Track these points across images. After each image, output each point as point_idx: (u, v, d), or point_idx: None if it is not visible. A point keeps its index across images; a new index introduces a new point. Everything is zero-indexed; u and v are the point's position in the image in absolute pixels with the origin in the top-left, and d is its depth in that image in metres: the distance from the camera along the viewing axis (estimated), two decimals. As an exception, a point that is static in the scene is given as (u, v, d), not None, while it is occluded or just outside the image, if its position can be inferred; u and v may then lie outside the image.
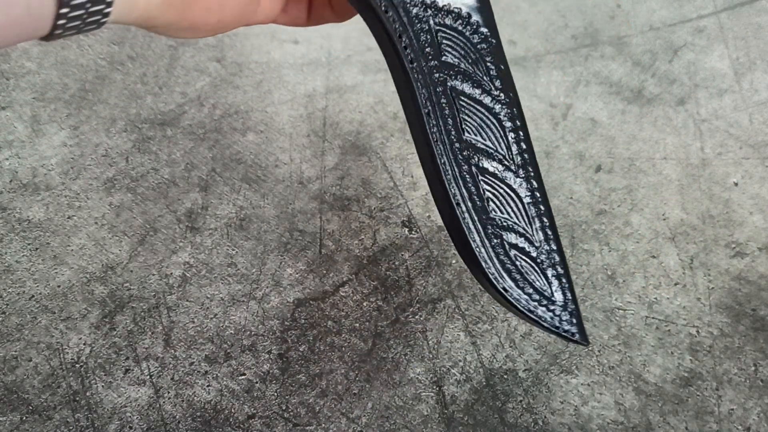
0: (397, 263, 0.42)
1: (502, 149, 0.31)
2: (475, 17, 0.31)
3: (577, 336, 0.29)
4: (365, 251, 0.43)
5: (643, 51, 0.54)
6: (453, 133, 0.31)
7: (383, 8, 0.29)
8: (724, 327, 0.39)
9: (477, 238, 0.30)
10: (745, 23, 0.55)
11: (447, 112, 0.31)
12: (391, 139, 0.49)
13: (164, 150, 0.47)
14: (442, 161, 0.31)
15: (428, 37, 0.31)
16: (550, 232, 0.31)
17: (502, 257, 0.30)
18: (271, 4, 0.30)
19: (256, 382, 0.38)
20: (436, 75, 0.31)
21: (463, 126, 0.31)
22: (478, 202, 0.31)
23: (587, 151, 0.47)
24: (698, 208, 0.44)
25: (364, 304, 0.41)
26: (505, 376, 0.38)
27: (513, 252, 0.31)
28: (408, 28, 0.30)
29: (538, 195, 0.31)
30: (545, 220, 0.31)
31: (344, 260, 0.43)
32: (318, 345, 0.39)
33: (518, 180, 0.31)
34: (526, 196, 0.31)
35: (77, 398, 0.37)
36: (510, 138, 0.32)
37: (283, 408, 0.37)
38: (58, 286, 0.41)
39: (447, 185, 0.31)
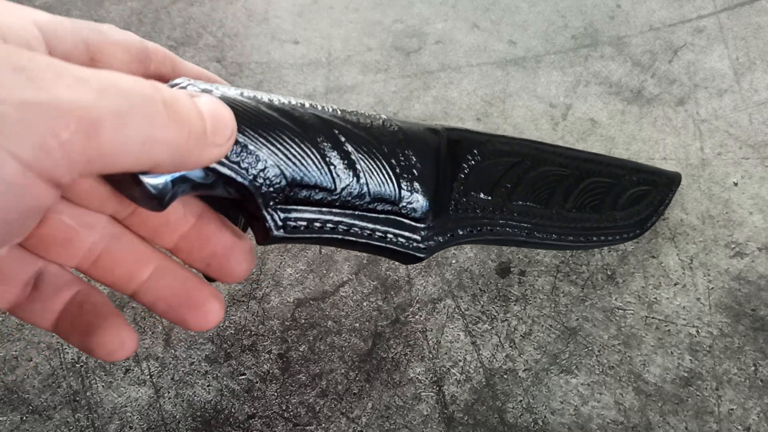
0: (397, 263, 0.42)
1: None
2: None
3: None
4: (365, 251, 0.43)
5: (642, 51, 0.54)
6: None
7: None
8: (724, 327, 0.39)
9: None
10: (745, 23, 0.55)
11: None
12: (391, 139, 0.49)
13: (164, 150, 0.47)
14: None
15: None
16: None
17: None
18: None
19: (256, 382, 0.38)
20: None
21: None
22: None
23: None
24: (698, 208, 0.44)
25: (364, 304, 0.41)
26: (505, 376, 0.38)
27: None
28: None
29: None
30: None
31: (344, 260, 0.43)
32: (318, 345, 0.39)
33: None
34: None
35: (77, 398, 0.37)
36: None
37: (283, 408, 0.37)
38: (59, 286, 0.41)
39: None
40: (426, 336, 0.39)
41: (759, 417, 0.35)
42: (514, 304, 0.40)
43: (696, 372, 0.37)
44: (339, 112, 0.28)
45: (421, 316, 0.40)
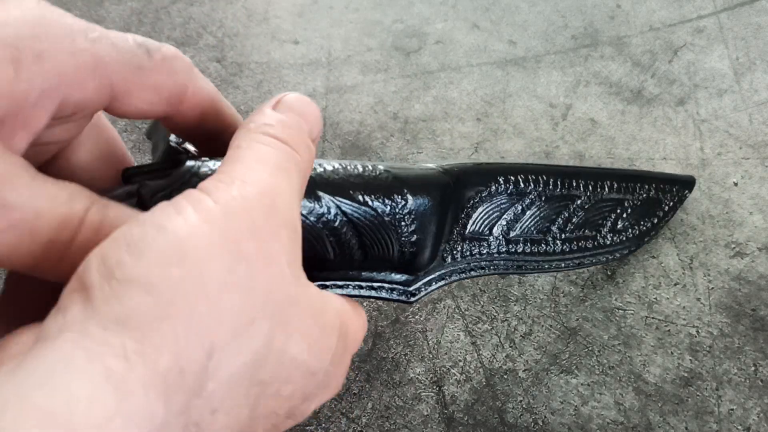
0: (397, 263, 0.42)
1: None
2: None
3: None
4: (365, 251, 0.43)
5: (642, 51, 0.54)
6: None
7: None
8: (724, 327, 0.39)
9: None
10: (745, 23, 0.55)
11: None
12: (391, 139, 0.49)
13: (164, 150, 0.47)
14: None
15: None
16: None
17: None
18: None
19: (256, 382, 0.38)
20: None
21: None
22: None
23: (587, 151, 0.48)
24: (698, 208, 0.44)
25: (364, 304, 0.41)
26: (505, 376, 0.38)
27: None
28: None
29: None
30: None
31: (344, 260, 0.43)
32: (318, 345, 0.39)
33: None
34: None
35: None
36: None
37: (283, 408, 0.37)
38: (59, 286, 0.41)
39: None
40: (426, 336, 0.39)
41: (759, 417, 0.35)
42: (514, 304, 0.40)
43: (696, 372, 0.37)
44: (331, 168, 0.27)
45: (421, 316, 0.40)
